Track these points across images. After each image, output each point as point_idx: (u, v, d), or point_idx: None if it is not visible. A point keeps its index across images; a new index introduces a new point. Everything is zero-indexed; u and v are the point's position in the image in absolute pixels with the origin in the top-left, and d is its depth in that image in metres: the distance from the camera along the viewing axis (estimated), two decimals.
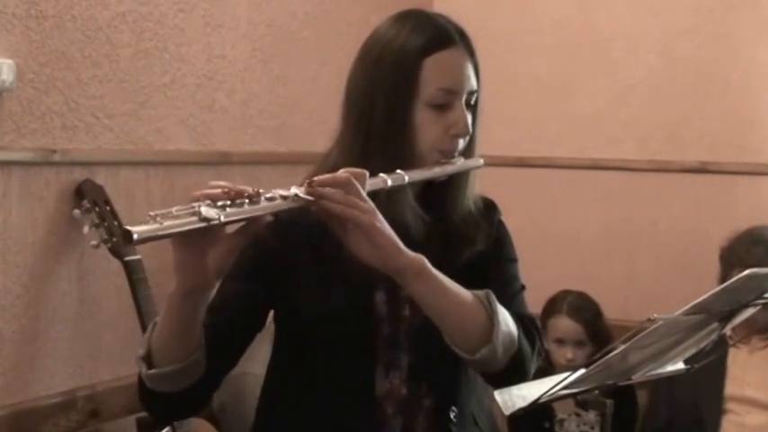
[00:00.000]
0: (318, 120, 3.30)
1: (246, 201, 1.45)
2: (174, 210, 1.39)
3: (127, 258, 2.50)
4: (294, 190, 1.52)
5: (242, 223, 1.49)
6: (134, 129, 2.67)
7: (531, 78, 3.90)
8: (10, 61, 2.31)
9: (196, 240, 1.46)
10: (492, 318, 1.64)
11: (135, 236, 1.32)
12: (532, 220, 3.66)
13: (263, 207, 1.47)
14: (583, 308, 3.36)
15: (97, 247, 2.45)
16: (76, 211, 2.47)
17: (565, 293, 3.39)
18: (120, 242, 2.47)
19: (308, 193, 1.52)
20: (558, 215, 3.89)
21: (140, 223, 1.35)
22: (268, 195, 1.48)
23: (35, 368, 2.45)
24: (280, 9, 3.17)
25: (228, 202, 1.43)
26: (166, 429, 2.48)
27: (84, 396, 2.55)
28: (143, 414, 2.55)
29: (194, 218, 1.39)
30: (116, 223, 2.50)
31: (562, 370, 2.84)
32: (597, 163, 3.84)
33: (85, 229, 2.46)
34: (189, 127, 2.85)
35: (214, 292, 1.59)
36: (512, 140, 3.84)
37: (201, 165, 2.88)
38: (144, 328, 2.47)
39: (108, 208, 2.50)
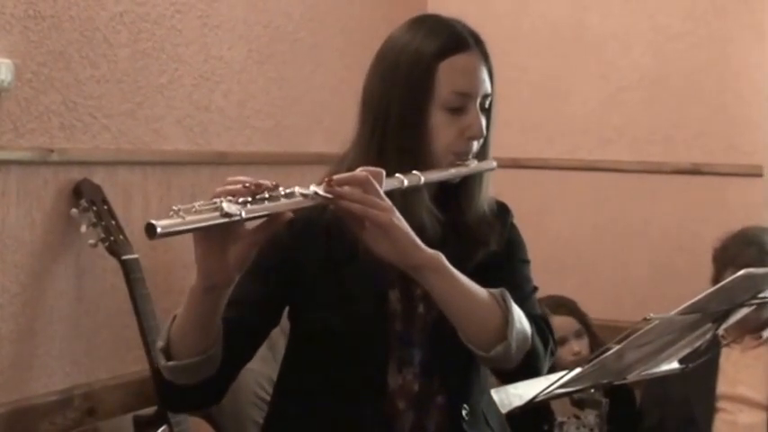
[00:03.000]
0: (314, 120, 3.31)
1: (267, 197, 1.48)
2: (196, 205, 1.42)
3: (124, 257, 2.50)
4: (314, 188, 1.55)
5: (263, 219, 1.51)
6: (131, 128, 2.68)
7: (524, 80, 3.91)
8: (8, 61, 2.32)
9: (217, 236, 1.49)
10: (507, 316, 1.67)
11: (158, 229, 1.35)
12: (525, 221, 3.64)
13: (284, 204, 1.50)
14: (563, 303, 3.37)
15: (95, 246, 2.47)
16: (74, 211, 2.47)
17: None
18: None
19: (326, 192, 1.55)
20: (551, 216, 3.91)
21: (163, 218, 1.37)
22: (287, 191, 1.51)
23: (32, 366, 2.46)
24: (276, 10, 3.18)
25: (249, 198, 1.46)
26: (163, 428, 2.49)
27: (81, 394, 2.55)
28: (140, 412, 2.57)
29: (216, 213, 1.42)
30: (113, 222, 2.51)
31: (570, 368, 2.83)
32: (590, 164, 3.86)
33: (83, 229, 2.47)
34: (186, 127, 2.85)
35: (233, 287, 1.60)
36: (505, 142, 3.79)
37: (198, 165, 2.89)
38: (141, 327, 2.49)
39: (105, 207, 2.51)
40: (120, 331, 2.65)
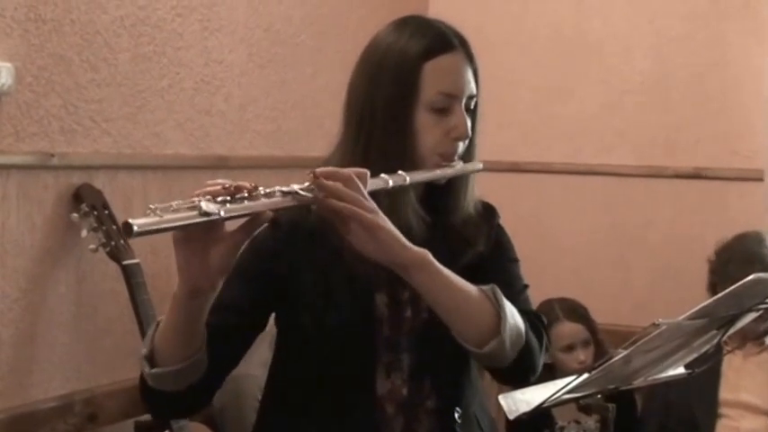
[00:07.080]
0: (315, 124, 3.30)
1: (246, 197, 1.46)
2: (173, 204, 1.39)
3: (125, 262, 2.49)
4: (295, 187, 1.52)
5: (243, 219, 1.49)
6: (132, 133, 2.67)
7: (525, 83, 3.91)
8: (9, 65, 2.31)
9: (198, 238, 1.47)
10: (499, 311, 1.66)
11: (135, 227, 1.32)
12: (526, 225, 3.66)
13: (264, 203, 1.47)
14: (576, 308, 3.35)
15: (95, 250, 2.46)
16: (75, 215, 2.46)
17: (550, 302, 3.33)
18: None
19: (311, 185, 1.53)
20: (552, 220, 3.90)
21: (140, 216, 1.34)
22: (267, 191, 1.49)
23: (33, 372, 2.45)
24: (277, 14, 3.18)
25: (228, 198, 1.43)
26: None
27: (81, 400, 2.54)
28: (141, 418, 2.56)
29: (194, 212, 1.39)
30: (114, 227, 2.50)
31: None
32: (591, 168, 3.85)
33: (84, 233, 2.46)
34: (186, 131, 2.85)
35: (217, 292, 1.58)
36: (506, 145, 3.84)
37: (199, 169, 2.88)
38: (142, 332, 2.47)
39: (106, 212, 2.50)
40: (120, 336, 2.64)
